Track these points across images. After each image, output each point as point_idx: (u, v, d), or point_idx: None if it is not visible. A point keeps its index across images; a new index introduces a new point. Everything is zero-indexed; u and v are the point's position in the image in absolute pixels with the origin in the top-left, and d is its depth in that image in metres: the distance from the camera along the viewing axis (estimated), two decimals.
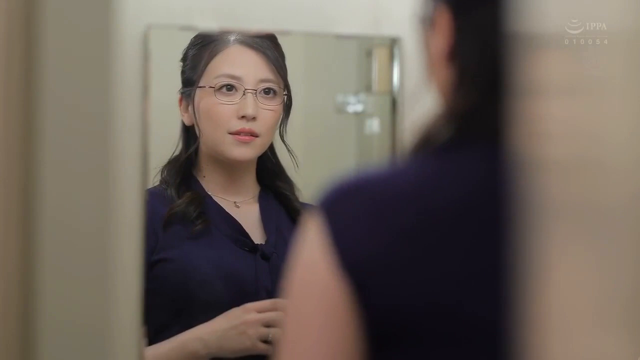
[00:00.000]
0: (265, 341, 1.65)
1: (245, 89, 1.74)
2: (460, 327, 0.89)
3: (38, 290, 1.42)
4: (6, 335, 1.38)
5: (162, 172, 1.76)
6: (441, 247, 0.89)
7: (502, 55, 0.91)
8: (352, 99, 2.01)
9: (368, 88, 2.01)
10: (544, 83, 0.74)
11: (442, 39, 0.95)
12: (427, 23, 0.98)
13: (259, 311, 1.66)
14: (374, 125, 2.01)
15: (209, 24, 1.72)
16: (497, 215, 0.89)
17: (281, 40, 1.83)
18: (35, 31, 1.41)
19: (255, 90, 1.75)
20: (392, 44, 1.84)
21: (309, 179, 1.99)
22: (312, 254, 0.92)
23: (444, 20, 0.95)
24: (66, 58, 1.44)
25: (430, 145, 0.94)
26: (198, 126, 1.76)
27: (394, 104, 1.86)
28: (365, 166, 0.96)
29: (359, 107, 2.01)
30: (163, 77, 1.78)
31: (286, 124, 1.83)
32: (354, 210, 0.91)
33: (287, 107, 1.82)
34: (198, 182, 1.78)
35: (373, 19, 1.79)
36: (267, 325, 1.65)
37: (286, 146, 1.84)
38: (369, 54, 1.98)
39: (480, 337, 0.89)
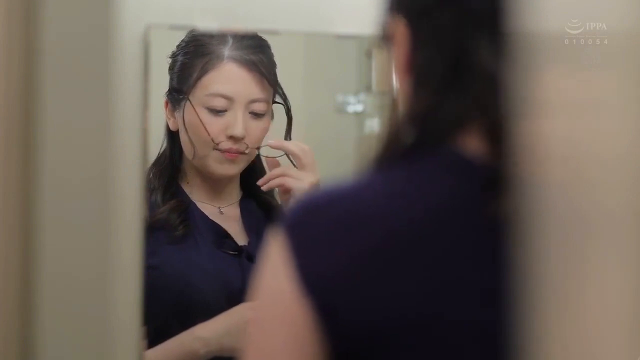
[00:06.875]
0: None
1: (236, 110, 1.73)
2: (432, 339, 0.88)
3: (38, 290, 1.42)
4: (6, 336, 1.38)
5: (147, 175, 1.76)
6: (407, 261, 0.88)
7: (460, 57, 0.91)
8: (352, 99, 2.01)
9: (368, 88, 2.01)
10: (540, 96, 0.74)
11: (400, 50, 0.95)
12: (387, 40, 0.98)
13: None
14: (374, 125, 2.01)
15: (209, 24, 1.71)
16: (462, 224, 0.89)
17: (281, 40, 1.83)
18: (35, 31, 1.41)
19: (246, 110, 1.74)
20: None
21: None
22: (275, 278, 0.90)
23: (401, 31, 0.95)
24: (66, 58, 1.44)
25: (391, 154, 0.93)
26: (185, 136, 1.76)
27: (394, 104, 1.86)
28: (329, 182, 0.95)
29: (359, 107, 2.01)
30: (163, 77, 1.78)
31: (290, 132, 1.83)
32: (316, 229, 0.90)
33: (288, 115, 1.82)
34: (182, 188, 1.79)
35: (373, 19, 1.79)
36: None
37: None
38: (369, 54, 1.98)
39: (455, 349, 0.88)
